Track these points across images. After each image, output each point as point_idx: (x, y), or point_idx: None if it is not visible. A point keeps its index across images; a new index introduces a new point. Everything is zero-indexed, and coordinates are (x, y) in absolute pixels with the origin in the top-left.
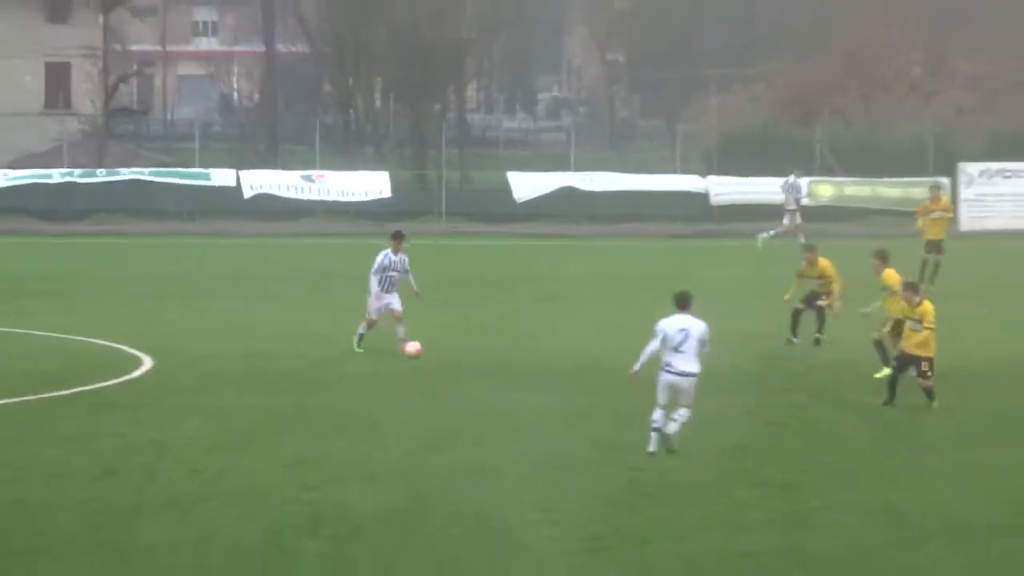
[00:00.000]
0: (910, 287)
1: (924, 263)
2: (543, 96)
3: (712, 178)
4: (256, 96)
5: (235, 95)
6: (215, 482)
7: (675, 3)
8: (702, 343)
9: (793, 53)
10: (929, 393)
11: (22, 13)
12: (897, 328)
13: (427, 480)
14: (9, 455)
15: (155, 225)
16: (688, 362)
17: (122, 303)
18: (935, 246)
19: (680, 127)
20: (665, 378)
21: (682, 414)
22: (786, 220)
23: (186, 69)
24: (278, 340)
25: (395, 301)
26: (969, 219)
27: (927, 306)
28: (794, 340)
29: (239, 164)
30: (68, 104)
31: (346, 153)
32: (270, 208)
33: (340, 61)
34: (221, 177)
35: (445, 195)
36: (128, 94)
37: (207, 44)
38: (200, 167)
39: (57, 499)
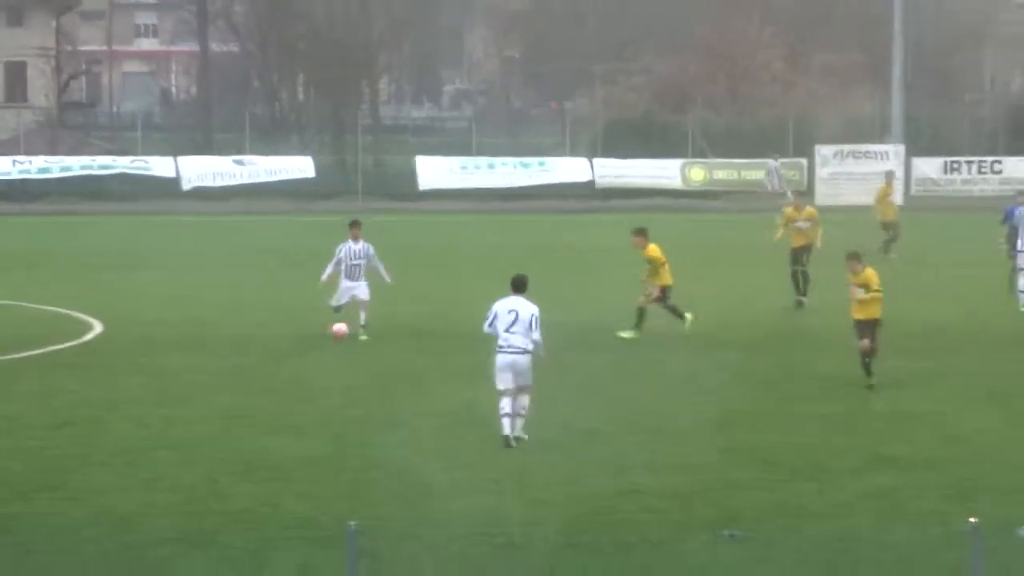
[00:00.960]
0: (853, 256)
1: (794, 274)
2: (447, 88)
3: (597, 160)
4: (192, 90)
5: (173, 90)
6: (160, 433)
7: (562, 4)
8: (532, 325)
9: (667, 48)
10: (868, 363)
11: None
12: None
13: (347, 430)
14: None
15: (102, 206)
16: (520, 341)
17: (73, 275)
18: (799, 256)
19: (568, 114)
20: (502, 359)
21: (525, 405)
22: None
23: (130, 67)
24: (215, 308)
25: (360, 289)
26: (824, 195)
27: (870, 272)
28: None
29: (177, 151)
30: (24, 98)
31: (272, 140)
32: (205, 190)
33: (265, 58)
34: (161, 164)
35: (361, 177)
36: (78, 89)
37: (148, 44)
38: (142, 155)
39: (14, 447)
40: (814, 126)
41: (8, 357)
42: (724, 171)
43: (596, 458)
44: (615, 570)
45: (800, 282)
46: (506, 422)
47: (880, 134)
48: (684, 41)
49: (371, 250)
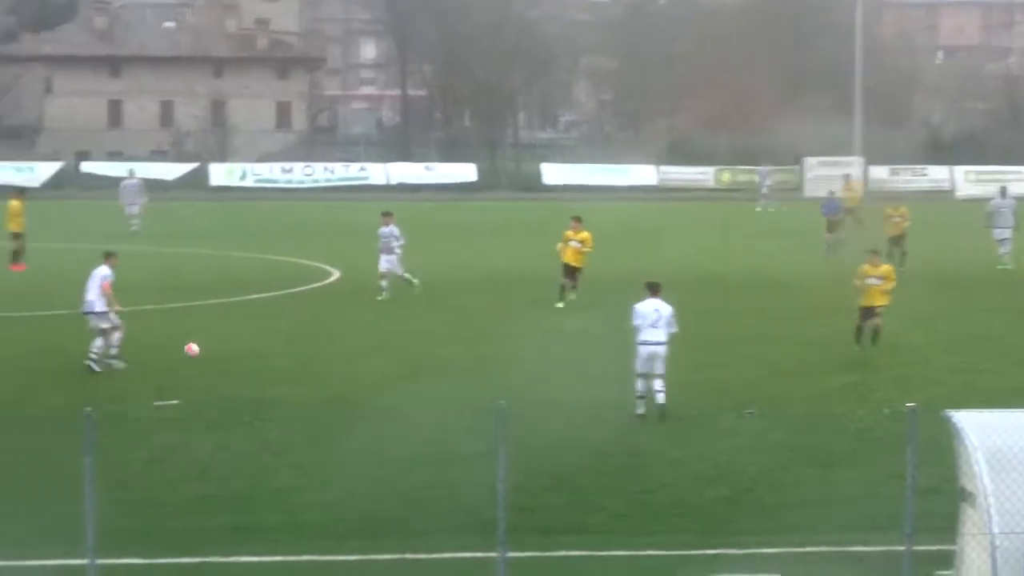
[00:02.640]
0: (874, 253)
1: (563, 287)
2: (562, 119)
3: (662, 167)
4: (397, 119)
5: (384, 119)
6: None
7: (649, 64)
8: (671, 322)
9: (701, 91)
10: (877, 332)
11: None
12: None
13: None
14: (273, 328)
15: (337, 195)
16: (662, 335)
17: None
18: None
19: (641, 136)
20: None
21: (660, 387)
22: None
23: (357, 104)
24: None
25: (383, 262)
26: (809, 191)
27: (887, 267)
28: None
29: (386, 160)
30: (289, 126)
31: (448, 153)
32: (406, 186)
33: (444, 99)
34: (376, 170)
35: (504, 177)
36: (323, 119)
37: (368, 90)
38: (364, 162)
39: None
40: (803, 144)
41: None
42: (744, 175)
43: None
44: (683, 433)
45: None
46: (640, 402)
47: (848, 149)
48: (710, 87)
49: (396, 231)
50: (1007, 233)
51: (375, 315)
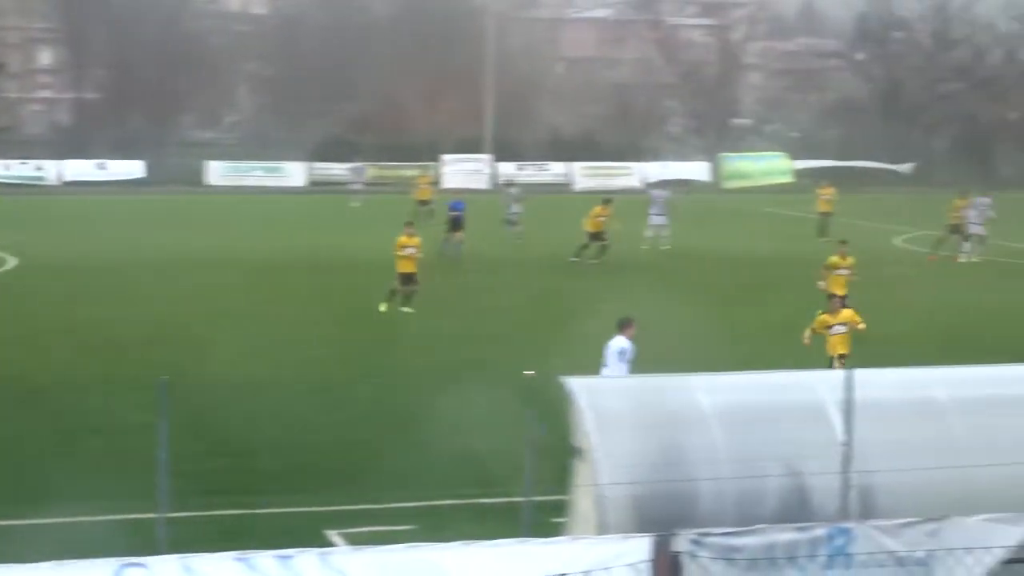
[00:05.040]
0: (835, 298)
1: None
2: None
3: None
4: None
5: None
6: None
7: (304, 70)
8: None
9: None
10: None
11: None
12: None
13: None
14: None
15: None
16: None
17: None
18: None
19: None
20: None
21: None
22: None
23: None
24: None
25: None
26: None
27: (848, 312)
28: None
29: None
30: None
31: None
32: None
33: (116, 103)
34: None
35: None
36: None
37: None
38: None
39: None
40: (442, 142)
41: None
42: (388, 171)
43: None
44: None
45: None
46: None
47: (480, 147)
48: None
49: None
50: (663, 220)
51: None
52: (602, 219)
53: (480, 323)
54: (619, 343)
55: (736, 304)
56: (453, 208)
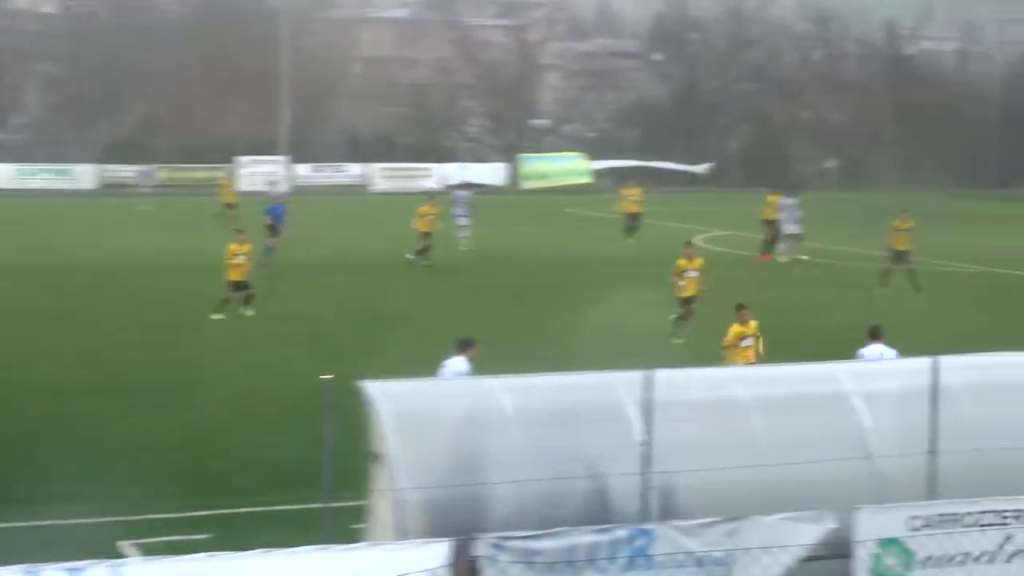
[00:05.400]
0: (743, 307)
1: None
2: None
3: None
4: None
5: None
6: None
7: (94, 70)
8: None
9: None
10: None
11: None
12: None
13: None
14: None
15: None
16: None
17: None
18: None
19: None
20: None
21: None
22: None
23: None
24: None
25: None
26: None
27: (754, 323)
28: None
29: None
30: None
31: None
32: None
33: None
34: None
35: None
36: None
37: None
38: None
39: None
40: (237, 143)
41: None
42: (180, 173)
43: None
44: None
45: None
46: None
47: (275, 149)
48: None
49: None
50: (466, 220)
51: None
52: (430, 217)
53: (281, 326)
54: (457, 365)
55: (543, 305)
56: (271, 212)
